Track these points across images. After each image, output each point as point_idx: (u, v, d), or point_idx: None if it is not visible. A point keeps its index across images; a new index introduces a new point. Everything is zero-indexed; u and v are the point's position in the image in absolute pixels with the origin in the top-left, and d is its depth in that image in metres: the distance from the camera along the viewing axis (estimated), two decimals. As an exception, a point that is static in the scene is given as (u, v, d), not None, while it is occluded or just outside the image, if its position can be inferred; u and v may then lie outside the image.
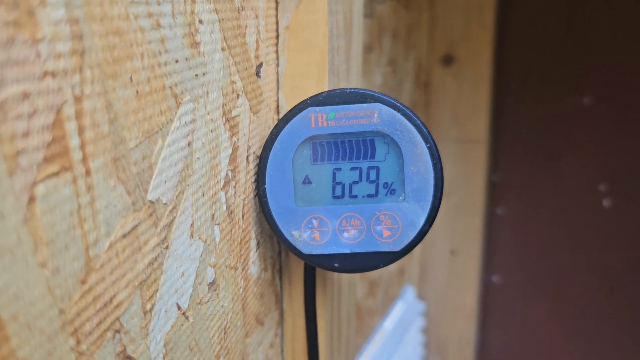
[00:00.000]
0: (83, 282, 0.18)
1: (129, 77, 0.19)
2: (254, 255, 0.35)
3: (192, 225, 0.25)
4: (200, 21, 0.25)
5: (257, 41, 0.33)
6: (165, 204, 0.23)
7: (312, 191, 0.33)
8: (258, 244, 0.35)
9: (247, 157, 0.32)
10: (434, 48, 1.05)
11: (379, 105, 0.32)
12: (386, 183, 0.33)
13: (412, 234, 0.33)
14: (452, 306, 1.19)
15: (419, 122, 0.32)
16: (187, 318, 0.25)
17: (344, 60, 0.42)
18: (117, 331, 0.20)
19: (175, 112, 0.23)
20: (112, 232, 0.19)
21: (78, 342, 0.17)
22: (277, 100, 0.37)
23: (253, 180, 0.33)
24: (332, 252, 0.33)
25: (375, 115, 0.32)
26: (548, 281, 1.14)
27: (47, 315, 0.16)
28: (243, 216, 0.32)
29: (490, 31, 1.01)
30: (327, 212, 0.33)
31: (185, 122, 0.24)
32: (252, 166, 0.33)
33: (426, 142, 0.32)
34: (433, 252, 1.17)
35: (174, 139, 0.23)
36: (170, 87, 0.22)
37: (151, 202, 0.22)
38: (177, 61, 0.23)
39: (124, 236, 0.20)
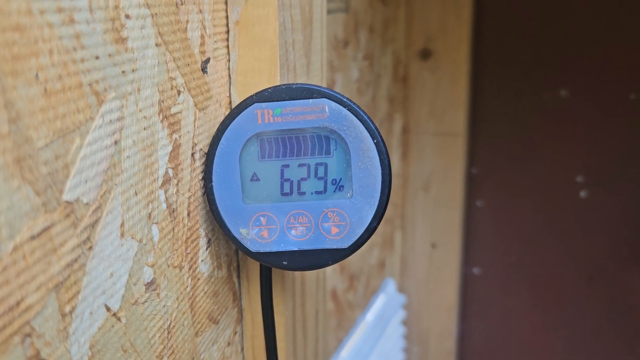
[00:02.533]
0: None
1: (34, 75, 0.18)
2: (203, 253, 0.34)
3: (122, 224, 0.25)
4: (127, 16, 0.24)
5: (202, 36, 0.32)
6: (87, 204, 0.22)
7: (260, 188, 0.33)
8: (209, 242, 0.35)
9: (193, 154, 0.32)
10: (412, 42, 1.05)
11: (325, 100, 0.32)
12: (334, 179, 0.33)
13: (360, 231, 0.32)
14: (433, 298, 1.20)
15: (366, 117, 0.32)
16: (118, 319, 0.25)
17: (302, 55, 0.42)
18: (28, 335, 0.19)
19: (97, 110, 0.22)
20: (17, 234, 0.18)
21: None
22: (230, 97, 0.37)
23: (200, 177, 0.33)
24: (280, 250, 0.33)
25: (322, 111, 0.32)
26: (527, 272, 1.15)
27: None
28: (189, 214, 0.32)
29: (467, 25, 1.01)
30: (275, 210, 0.33)
31: (111, 120, 0.23)
32: (198, 163, 0.33)
33: (373, 138, 0.32)
34: (413, 245, 1.18)
35: (95, 137, 0.22)
36: (90, 85, 0.22)
37: (68, 202, 0.21)
38: (97, 57, 0.22)
39: (33, 238, 0.19)
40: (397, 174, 1.11)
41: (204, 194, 0.33)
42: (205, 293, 0.35)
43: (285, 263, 0.33)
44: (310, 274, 0.48)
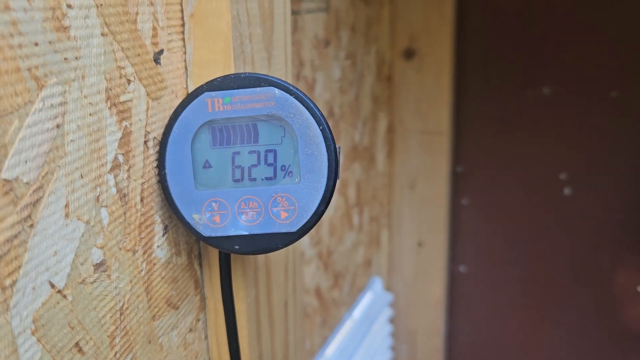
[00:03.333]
0: None
1: (-33, 58, 0.20)
2: (160, 239, 0.35)
3: (67, 205, 0.26)
4: (69, 6, 0.25)
5: (155, 28, 0.33)
6: (27, 183, 0.23)
7: (212, 175, 0.34)
8: (166, 228, 0.36)
9: (146, 142, 0.33)
10: (395, 42, 1.06)
11: (273, 89, 0.33)
12: (283, 165, 0.34)
13: (308, 215, 0.33)
14: (421, 296, 1.20)
15: (312, 105, 0.33)
16: (64, 296, 0.26)
17: (262, 49, 0.43)
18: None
19: (37, 94, 0.24)
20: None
21: None
22: (187, 87, 0.38)
23: (154, 165, 0.34)
24: (231, 234, 0.34)
25: (270, 99, 0.33)
26: (513, 269, 1.15)
27: None
28: (142, 200, 0.33)
29: (450, 24, 1.02)
30: (226, 196, 0.34)
31: (52, 105, 0.24)
32: (152, 151, 0.34)
33: (319, 124, 0.33)
34: (400, 243, 1.18)
35: (35, 120, 0.24)
36: (29, 69, 0.23)
37: (6, 180, 0.22)
38: (36, 44, 0.23)
39: (-32, 212, 0.20)
40: (383, 173, 1.12)
41: (158, 181, 0.35)
42: (162, 278, 0.36)
43: (237, 247, 0.34)
44: (277, 265, 0.49)
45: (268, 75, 0.33)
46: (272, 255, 0.46)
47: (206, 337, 0.42)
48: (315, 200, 0.33)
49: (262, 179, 0.34)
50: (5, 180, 0.22)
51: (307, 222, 0.33)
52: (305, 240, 0.79)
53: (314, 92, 0.79)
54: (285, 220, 0.33)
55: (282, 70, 0.48)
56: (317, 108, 0.33)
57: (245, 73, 0.33)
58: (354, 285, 1.04)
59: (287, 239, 0.34)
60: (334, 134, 0.87)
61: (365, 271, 1.10)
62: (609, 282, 1.09)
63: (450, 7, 1.01)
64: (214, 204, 0.34)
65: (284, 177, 0.34)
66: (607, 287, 1.09)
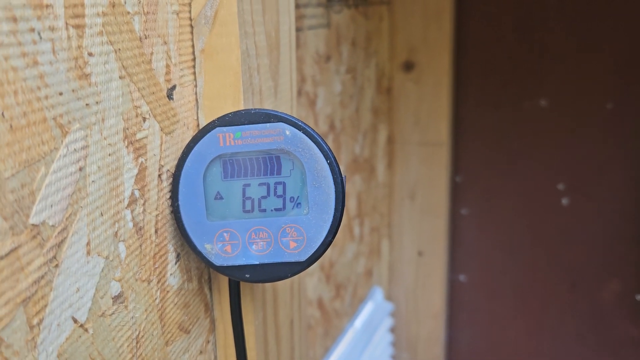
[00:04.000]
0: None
1: (0, 114, 0.21)
2: (172, 267, 0.37)
3: (88, 243, 0.27)
4: (90, 54, 0.27)
5: (168, 65, 0.35)
6: (53, 225, 0.25)
7: (224, 206, 0.35)
8: (178, 256, 0.37)
9: (160, 175, 0.34)
10: (395, 54, 1.08)
11: (282, 124, 0.34)
12: (292, 197, 0.35)
13: (317, 245, 0.35)
14: (421, 305, 1.22)
15: (319, 139, 0.34)
16: (85, 330, 0.27)
17: (269, 79, 0.44)
18: (-4, 346, 0.22)
19: (62, 141, 0.25)
20: (-15, 255, 0.21)
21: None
22: (197, 120, 0.39)
23: (168, 197, 0.36)
24: (242, 264, 0.35)
25: (280, 134, 0.34)
26: (511, 278, 1.17)
27: None
28: (157, 231, 0.34)
29: (448, 37, 1.04)
30: (237, 226, 0.35)
31: (75, 149, 0.26)
32: (165, 184, 0.35)
33: (327, 158, 0.34)
34: (401, 253, 1.20)
35: (60, 165, 0.25)
36: (54, 119, 0.24)
37: (34, 225, 0.24)
38: (61, 94, 0.25)
39: (1, 258, 0.22)
40: (383, 184, 1.13)
41: (171, 212, 0.36)
42: (175, 305, 0.37)
43: (247, 276, 0.35)
44: (284, 284, 0.50)
45: (277, 112, 0.35)
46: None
47: (215, 358, 0.44)
48: (324, 230, 0.35)
49: (272, 210, 0.35)
50: (33, 225, 0.24)
51: (315, 251, 0.35)
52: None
53: (316, 107, 0.80)
54: (294, 250, 0.35)
55: (288, 97, 0.49)
56: (324, 142, 0.34)
57: (255, 109, 0.35)
58: (355, 295, 1.06)
59: (296, 268, 0.35)
60: (335, 147, 0.88)
61: (366, 281, 1.11)
62: (604, 292, 1.10)
63: (449, 21, 1.03)
64: (225, 234, 0.35)
65: (292, 209, 0.35)
66: (603, 296, 1.11)
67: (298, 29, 0.73)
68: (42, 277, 0.24)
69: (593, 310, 1.12)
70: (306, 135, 0.34)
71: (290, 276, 0.35)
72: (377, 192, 1.11)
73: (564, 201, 1.09)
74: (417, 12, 1.04)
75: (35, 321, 0.24)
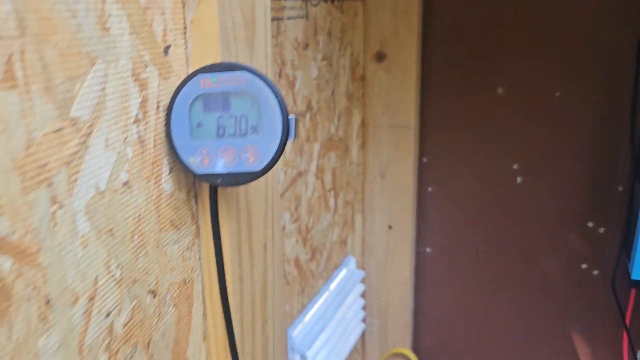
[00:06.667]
0: (27, 148, 0.33)
1: (55, 44, 0.35)
2: (166, 176, 0.50)
3: (106, 140, 0.41)
4: (109, 15, 0.40)
5: (164, 30, 0.48)
6: (84, 121, 0.38)
7: (203, 131, 0.49)
8: (171, 169, 0.51)
9: (157, 107, 0.48)
10: (368, 46, 1.20)
11: (245, 72, 0.48)
12: (252, 125, 0.49)
13: (268, 160, 0.48)
14: (391, 275, 1.33)
15: (271, 83, 0.48)
16: (103, 197, 0.41)
17: (244, 47, 0.58)
18: (50, 184, 0.35)
19: (91, 69, 0.38)
20: (46, 127, 0.34)
21: (23, 181, 0.33)
22: (187, 71, 0.53)
23: (163, 123, 0.49)
24: (215, 172, 0.49)
25: (243, 79, 0.48)
26: (472, 250, 1.29)
27: (4, 166, 0.32)
28: (155, 146, 0.48)
29: (416, 32, 1.17)
30: (212, 145, 0.49)
31: (99, 76, 0.39)
32: (161, 114, 0.49)
33: (276, 97, 0.48)
34: (372, 227, 1.32)
35: (89, 84, 0.38)
36: (87, 53, 0.38)
37: (73, 117, 0.37)
38: (90, 38, 0.38)
39: (54, 131, 0.35)
40: (357, 163, 1.26)
41: (165, 134, 0.49)
42: (167, 205, 0.50)
43: (219, 181, 0.49)
44: (258, 211, 0.63)
45: (242, 64, 0.48)
46: (253, 203, 0.60)
47: (199, 258, 0.57)
48: (273, 150, 0.48)
49: (237, 135, 0.49)
50: (72, 117, 0.37)
51: (267, 164, 0.48)
52: (286, 216, 0.93)
53: (295, 87, 0.93)
54: (252, 163, 0.48)
55: (262, 64, 0.63)
56: (275, 86, 0.48)
57: (226, 62, 0.48)
58: (330, 260, 1.18)
59: (253, 176, 0.48)
60: (312, 125, 1.01)
61: (341, 250, 1.23)
62: (555, 263, 1.22)
63: (416, 17, 1.16)
64: (204, 151, 0.49)
65: (252, 134, 0.48)
66: (554, 267, 1.23)
67: (279, 18, 0.86)
68: (77, 152, 0.38)
69: (543, 279, 1.24)
70: (262, 81, 0.48)
71: (250, 182, 0.49)
72: (351, 170, 1.24)
73: (519, 179, 1.21)
74: (388, 8, 1.17)
75: (72, 178, 0.37)
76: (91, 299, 0.40)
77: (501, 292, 1.30)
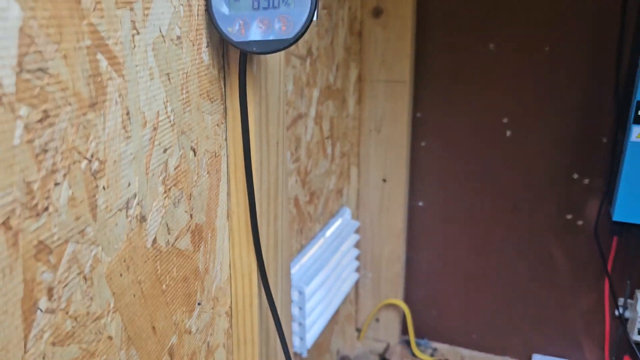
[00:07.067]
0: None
1: None
2: (205, 48, 0.54)
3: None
4: None
5: None
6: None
7: (239, 4, 0.53)
8: (208, 43, 0.55)
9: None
10: (366, 1, 1.25)
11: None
12: (285, -2, 0.53)
13: (298, 28, 0.53)
14: (384, 227, 1.38)
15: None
16: (164, 40, 0.45)
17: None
18: (132, 9, 0.39)
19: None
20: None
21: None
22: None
23: (204, 4, 0.53)
24: (251, 40, 0.53)
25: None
26: (463, 203, 1.34)
27: None
28: (198, 15, 0.52)
29: (412, -12, 1.22)
30: (248, 17, 0.53)
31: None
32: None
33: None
34: (367, 180, 1.36)
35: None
36: None
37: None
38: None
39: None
40: (354, 117, 1.31)
41: (205, 9, 0.54)
42: (205, 75, 0.54)
43: (254, 48, 0.53)
44: (273, 110, 0.67)
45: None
46: (270, 97, 0.64)
47: (226, 139, 0.61)
48: (303, 19, 0.52)
49: (270, 7, 0.53)
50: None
51: (297, 32, 0.52)
52: (287, 155, 0.97)
53: None
54: (285, 32, 0.53)
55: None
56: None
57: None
58: (326, 207, 1.22)
59: (286, 43, 0.53)
60: (312, 71, 1.05)
61: (337, 199, 1.28)
62: (540, 214, 1.28)
63: (413, -25, 1.21)
64: (240, 21, 0.53)
65: (284, 5, 0.53)
66: (539, 217, 1.28)
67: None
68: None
69: (531, 228, 1.30)
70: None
71: (282, 49, 0.53)
72: (348, 123, 1.28)
73: (508, 133, 1.26)
74: (385, -35, 1.22)
75: (145, 12, 0.41)
76: (155, 129, 0.44)
77: (491, 243, 1.35)
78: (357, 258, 1.42)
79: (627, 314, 1.22)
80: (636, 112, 1.03)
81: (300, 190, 1.07)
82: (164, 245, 0.50)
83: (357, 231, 1.40)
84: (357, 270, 1.42)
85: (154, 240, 0.49)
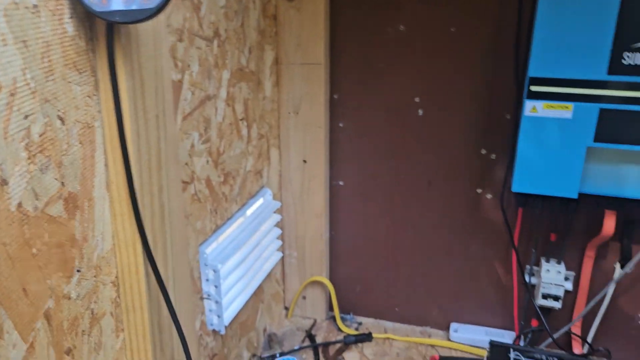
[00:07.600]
0: None
1: None
2: (68, 19, 0.55)
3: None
4: None
5: None
6: None
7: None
8: (72, 15, 0.56)
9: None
10: (279, -15, 1.26)
11: None
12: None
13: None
14: (307, 207, 1.41)
15: None
16: (18, 7, 0.46)
17: None
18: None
19: None
20: None
21: None
22: None
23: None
24: (113, 9, 0.55)
25: None
26: (381, 181, 1.38)
27: None
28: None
29: (323, -28, 1.24)
30: (110, -13, 0.54)
31: None
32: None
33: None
34: (288, 161, 1.38)
35: None
36: None
37: None
38: None
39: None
40: (272, 99, 1.33)
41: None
42: (70, 46, 0.56)
43: (117, 18, 0.55)
44: (149, 84, 0.68)
45: None
46: (145, 69, 0.66)
47: (99, 111, 0.62)
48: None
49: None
50: None
51: (160, 1, 0.55)
52: (195, 135, 0.98)
53: (200, 11, 0.97)
54: (147, 2, 0.55)
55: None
56: None
57: None
58: (244, 188, 1.23)
59: (149, 12, 0.55)
60: (221, 52, 1.05)
61: (256, 180, 1.29)
62: (453, 189, 1.33)
63: (323, -42, 1.23)
64: (102, -10, 0.54)
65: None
66: (452, 192, 1.33)
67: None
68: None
69: (444, 203, 1.35)
70: None
71: (146, 19, 0.55)
72: (265, 105, 1.30)
73: (420, 112, 1.31)
74: (296, -52, 1.24)
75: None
76: (12, 94, 0.45)
77: (408, 218, 1.39)
78: (281, 238, 1.44)
79: (533, 281, 1.29)
80: (529, 87, 1.08)
81: (213, 171, 1.08)
82: (31, 210, 0.52)
83: (279, 211, 1.42)
84: (282, 249, 1.45)
85: (19, 205, 0.50)
